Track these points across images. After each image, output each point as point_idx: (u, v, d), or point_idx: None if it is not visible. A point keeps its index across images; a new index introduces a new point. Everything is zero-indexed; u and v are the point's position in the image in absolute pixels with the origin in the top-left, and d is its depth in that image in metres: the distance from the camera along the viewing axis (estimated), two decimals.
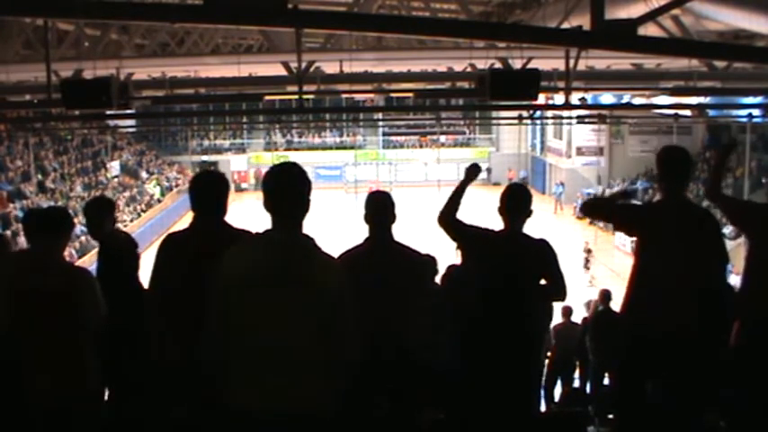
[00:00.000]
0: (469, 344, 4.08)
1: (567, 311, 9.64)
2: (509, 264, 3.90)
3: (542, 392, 9.06)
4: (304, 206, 2.71)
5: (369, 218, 3.82)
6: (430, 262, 4.37)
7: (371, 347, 3.61)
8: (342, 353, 2.69)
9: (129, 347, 3.89)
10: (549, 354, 9.13)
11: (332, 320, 2.64)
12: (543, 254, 3.96)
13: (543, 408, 8.71)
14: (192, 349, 2.94)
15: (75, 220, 23.58)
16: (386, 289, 3.66)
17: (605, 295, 8.84)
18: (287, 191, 2.70)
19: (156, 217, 28.53)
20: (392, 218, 3.83)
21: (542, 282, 4.00)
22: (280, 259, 2.63)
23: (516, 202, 4.00)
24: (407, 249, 3.83)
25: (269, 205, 2.71)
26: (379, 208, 3.81)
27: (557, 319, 9.26)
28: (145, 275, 3.67)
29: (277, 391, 2.60)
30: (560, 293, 4.02)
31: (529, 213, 4.00)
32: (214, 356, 2.70)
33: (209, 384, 2.76)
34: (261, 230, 2.75)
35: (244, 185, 37.16)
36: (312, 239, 2.72)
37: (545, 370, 9.05)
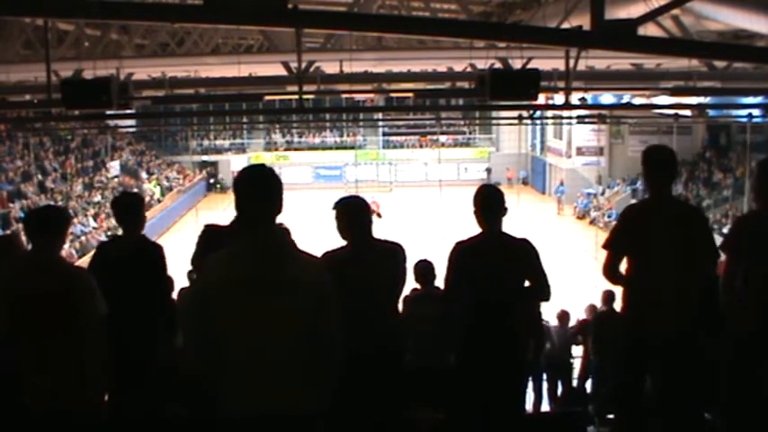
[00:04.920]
0: (463, 345, 4.07)
1: (565, 315, 9.64)
2: (495, 265, 3.83)
3: (543, 393, 9.08)
4: (278, 207, 2.70)
5: (344, 230, 3.79)
6: (400, 248, 4.32)
7: (366, 346, 3.63)
8: (327, 352, 2.69)
9: (128, 348, 3.89)
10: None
11: (316, 320, 2.64)
12: (526, 253, 3.90)
13: (543, 408, 8.72)
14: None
15: (75, 220, 23.72)
16: (370, 286, 3.66)
17: (608, 296, 8.83)
18: (262, 193, 2.69)
19: (156, 217, 28.51)
20: (369, 224, 3.81)
21: (527, 283, 3.94)
22: (261, 264, 2.63)
23: (492, 203, 3.94)
24: (385, 242, 3.84)
25: (243, 208, 2.69)
26: (353, 217, 3.80)
27: (555, 320, 9.28)
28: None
29: (265, 394, 2.61)
30: (544, 293, 3.96)
31: (504, 212, 3.95)
32: (197, 361, 2.70)
33: (201, 387, 2.76)
34: (237, 233, 2.74)
35: None
36: (287, 234, 2.70)
37: (543, 372, 9.04)
